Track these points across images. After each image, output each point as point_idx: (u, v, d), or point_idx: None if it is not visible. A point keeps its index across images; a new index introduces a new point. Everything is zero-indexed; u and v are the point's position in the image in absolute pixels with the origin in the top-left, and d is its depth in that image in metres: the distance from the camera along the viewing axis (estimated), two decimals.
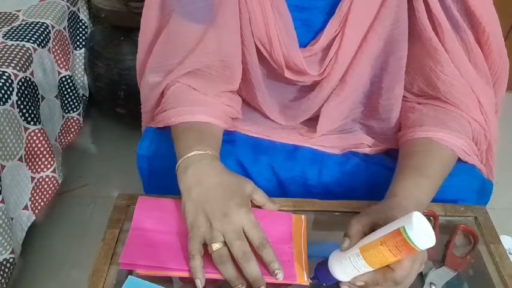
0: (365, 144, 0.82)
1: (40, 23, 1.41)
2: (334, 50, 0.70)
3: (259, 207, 0.67)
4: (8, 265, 1.11)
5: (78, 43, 1.64)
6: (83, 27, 1.66)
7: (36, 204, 1.28)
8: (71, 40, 1.58)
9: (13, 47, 1.28)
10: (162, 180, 0.74)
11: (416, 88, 0.75)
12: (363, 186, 0.77)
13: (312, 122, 0.81)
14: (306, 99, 0.78)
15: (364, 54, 0.70)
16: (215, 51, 0.72)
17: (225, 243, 0.59)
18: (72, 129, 1.58)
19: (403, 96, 0.76)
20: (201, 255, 0.59)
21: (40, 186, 1.29)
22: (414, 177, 0.65)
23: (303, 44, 0.72)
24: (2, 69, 1.18)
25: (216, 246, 0.58)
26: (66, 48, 1.52)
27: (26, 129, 1.22)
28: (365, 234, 0.54)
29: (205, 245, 0.60)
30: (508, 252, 0.65)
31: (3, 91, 1.14)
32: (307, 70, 0.72)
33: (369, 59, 0.71)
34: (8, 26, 1.39)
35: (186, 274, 0.59)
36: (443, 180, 0.67)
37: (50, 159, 1.29)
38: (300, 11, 0.70)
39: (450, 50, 0.68)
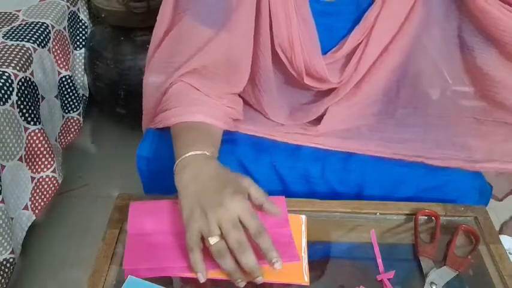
0: (369, 150, 0.79)
1: (40, 23, 1.41)
2: (357, 59, 0.70)
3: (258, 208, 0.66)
4: (8, 265, 1.11)
5: (78, 43, 1.64)
6: (83, 27, 1.66)
7: (36, 204, 1.28)
8: (71, 40, 1.58)
9: (13, 47, 1.28)
10: (162, 181, 0.73)
11: None
12: (367, 183, 0.76)
13: (315, 120, 0.81)
14: (320, 103, 0.77)
15: (384, 64, 0.70)
16: (224, 53, 0.71)
17: (222, 236, 0.58)
18: (72, 129, 1.58)
19: None
20: (200, 248, 0.58)
21: (40, 186, 1.29)
22: None
23: (324, 50, 0.72)
24: (2, 69, 1.18)
25: (213, 240, 0.57)
26: (66, 48, 1.52)
27: (26, 129, 1.22)
28: None
29: (204, 240, 0.59)
30: (508, 252, 0.65)
31: (3, 91, 1.14)
32: (328, 78, 0.71)
33: (387, 70, 0.71)
34: (8, 26, 1.39)
35: (190, 274, 0.59)
36: None
37: (50, 159, 1.29)
38: (324, 17, 0.70)
39: None
